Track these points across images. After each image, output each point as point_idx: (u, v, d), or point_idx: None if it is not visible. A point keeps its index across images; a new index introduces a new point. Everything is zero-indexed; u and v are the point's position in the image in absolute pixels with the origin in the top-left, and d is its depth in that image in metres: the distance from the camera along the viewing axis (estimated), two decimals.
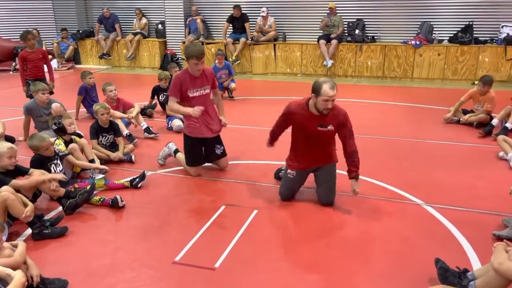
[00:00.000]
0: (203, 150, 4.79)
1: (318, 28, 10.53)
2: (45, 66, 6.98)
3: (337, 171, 4.16)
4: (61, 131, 4.78)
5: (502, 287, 2.58)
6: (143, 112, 6.98)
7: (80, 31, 12.53)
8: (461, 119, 6.49)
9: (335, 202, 4.09)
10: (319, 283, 3.00)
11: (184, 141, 4.77)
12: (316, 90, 3.71)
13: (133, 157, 5.25)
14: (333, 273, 3.10)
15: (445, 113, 6.69)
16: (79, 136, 5.08)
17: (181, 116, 6.51)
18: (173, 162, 5.13)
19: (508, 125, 5.81)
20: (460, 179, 4.64)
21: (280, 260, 3.25)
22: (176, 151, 5.03)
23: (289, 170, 4.12)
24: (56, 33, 12.70)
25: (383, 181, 4.54)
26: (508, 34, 9.35)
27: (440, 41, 10.00)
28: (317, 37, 10.42)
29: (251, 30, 10.93)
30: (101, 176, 4.69)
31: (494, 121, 6.04)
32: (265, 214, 3.93)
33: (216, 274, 3.10)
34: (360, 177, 4.54)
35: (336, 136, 3.98)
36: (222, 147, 4.84)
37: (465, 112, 6.62)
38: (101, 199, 4.11)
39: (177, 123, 6.40)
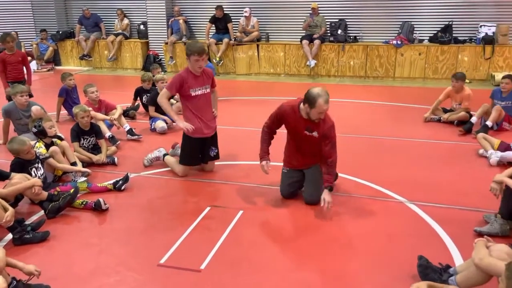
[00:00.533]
0: (200, 151, 4.79)
1: (301, 29, 10.57)
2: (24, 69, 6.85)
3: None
4: (41, 134, 4.69)
5: (482, 282, 2.63)
6: (126, 113, 6.91)
7: (60, 32, 12.34)
8: (441, 117, 6.61)
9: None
10: (304, 282, 3.01)
11: (184, 141, 4.74)
12: (310, 102, 3.77)
13: (116, 159, 5.19)
14: (318, 272, 3.11)
15: (426, 112, 6.80)
16: (60, 139, 5.00)
17: (165, 118, 6.49)
18: (158, 163, 5.09)
19: (488, 123, 5.93)
20: (442, 176, 4.71)
21: (266, 260, 3.25)
22: (165, 154, 5.02)
23: (283, 167, 4.30)
24: (35, 34, 12.47)
25: (366, 180, 4.58)
26: (486, 33, 9.54)
27: (421, 40, 10.15)
28: (300, 37, 10.46)
29: (234, 31, 10.92)
30: (83, 179, 4.63)
31: (473, 119, 6.15)
32: (251, 214, 3.93)
33: (202, 276, 3.09)
34: (345, 176, 4.60)
35: None
36: (217, 150, 4.87)
37: (445, 111, 6.74)
38: (84, 202, 4.05)
39: (160, 124, 6.35)
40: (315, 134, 3.95)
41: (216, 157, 4.89)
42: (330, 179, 3.92)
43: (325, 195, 3.84)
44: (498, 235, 3.43)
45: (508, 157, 4.92)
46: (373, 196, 4.25)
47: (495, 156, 4.97)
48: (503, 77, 6.28)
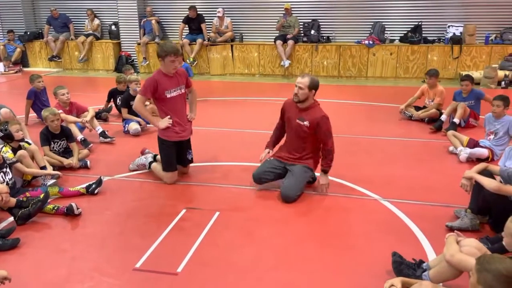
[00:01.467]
0: (180, 152, 4.65)
1: (275, 29, 10.62)
2: None
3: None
4: (8, 138, 4.55)
5: (454, 276, 2.69)
6: (98, 115, 6.77)
7: (28, 33, 12.01)
8: (413, 115, 6.76)
9: (296, 201, 4.14)
10: (281, 281, 3.02)
11: (162, 148, 4.57)
12: None
13: (88, 162, 5.08)
14: (294, 271, 3.13)
15: (398, 110, 6.96)
16: (28, 143, 4.86)
17: (139, 119, 6.40)
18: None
19: (455, 120, 6.09)
20: (414, 173, 4.81)
21: (243, 261, 3.25)
22: (151, 163, 4.83)
23: (270, 157, 4.52)
24: (2, 35, 12.10)
25: (341, 178, 4.63)
26: (454, 33, 9.83)
27: (392, 40, 10.35)
28: (274, 37, 10.51)
29: (208, 31, 10.87)
30: (52, 181, 4.49)
31: (443, 117, 6.32)
32: (227, 215, 3.92)
33: (178, 279, 3.05)
34: (319, 174, 4.64)
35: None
36: (192, 153, 4.79)
37: (417, 109, 6.91)
38: (55, 207, 3.94)
39: (133, 126, 6.26)
40: (306, 123, 4.19)
41: (192, 160, 4.82)
42: (325, 163, 4.24)
43: (321, 178, 4.26)
44: (469, 229, 3.52)
45: (476, 154, 5.07)
46: (348, 194, 4.31)
47: (464, 152, 5.11)
48: (462, 79, 6.50)
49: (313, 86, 4.20)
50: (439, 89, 6.68)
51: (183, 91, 4.58)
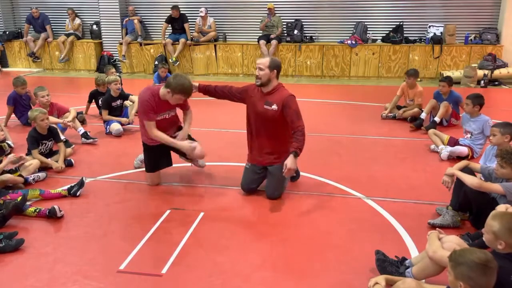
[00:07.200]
0: (165, 153, 4.48)
1: (258, 29, 10.63)
2: None
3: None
4: None
5: (436, 272, 2.74)
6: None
7: (7, 32, 11.77)
8: (396, 114, 6.83)
9: (280, 200, 4.15)
10: (267, 282, 3.02)
11: (144, 150, 4.48)
12: None
13: (72, 161, 5.04)
14: (279, 271, 3.14)
15: (381, 111, 7.01)
16: (9, 145, 4.76)
17: (120, 120, 6.33)
18: (118, 166, 4.95)
19: (436, 119, 6.19)
20: (397, 172, 4.87)
21: (228, 261, 3.24)
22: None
23: (246, 162, 4.33)
24: None
25: (325, 177, 4.67)
26: (434, 33, 9.99)
27: (374, 40, 10.46)
28: (257, 37, 10.52)
29: (191, 31, 10.82)
30: (34, 175, 4.41)
31: (423, 115, 6.41)
32: (211, 216, 3.91)
33: (163, 280, 3.03)
34: (304, 174, 4.66)
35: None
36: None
37: (399, 107, 6.99)
38: (37, 210, 3.88)
39: (115, 127, 6.18)
40: (274, 107, 4.00)
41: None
42: (296, 145, 3.85)
43: (288, 160, 3.81)
44: (450, 226, 3.59)
45: (456, 152, 5.16)
46: (332, 193, 4.34)
47: (445, 151, 5.19)
48: (440, 80, 6.57)
49: (274, 66, 3.96)
50: (418, 90, 6.76)
51: (172, 114, 4.41)
